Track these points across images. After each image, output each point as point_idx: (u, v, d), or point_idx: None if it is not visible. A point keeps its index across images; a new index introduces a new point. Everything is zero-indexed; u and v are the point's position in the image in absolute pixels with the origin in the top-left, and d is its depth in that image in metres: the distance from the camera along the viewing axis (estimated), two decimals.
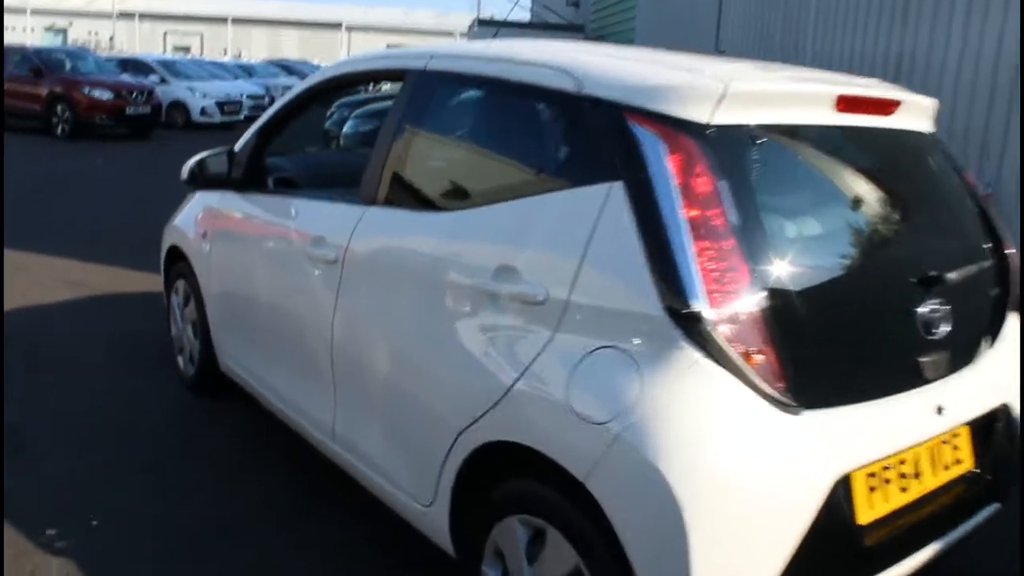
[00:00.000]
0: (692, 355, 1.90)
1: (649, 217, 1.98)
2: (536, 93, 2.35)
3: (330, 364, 2.85)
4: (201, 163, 3.62)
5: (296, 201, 3.24)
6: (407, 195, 2.75)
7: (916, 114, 2.60)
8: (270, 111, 3.61)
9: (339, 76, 3.26)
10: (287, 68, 27.88)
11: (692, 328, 1.90)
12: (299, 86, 3.45)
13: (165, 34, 54.66)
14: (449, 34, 50.25)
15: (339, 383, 2.83)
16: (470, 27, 22.99)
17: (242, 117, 19.58)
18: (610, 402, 1.93)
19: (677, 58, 2.49)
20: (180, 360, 4.34)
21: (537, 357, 2.09)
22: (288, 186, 3.63)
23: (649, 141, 2.05)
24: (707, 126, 2.04)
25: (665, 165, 2.01)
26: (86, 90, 15.79)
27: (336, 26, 57.29)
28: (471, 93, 2.69)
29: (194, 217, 4.02)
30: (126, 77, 17.46)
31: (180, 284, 4.24)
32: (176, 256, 4.23)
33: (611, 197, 2.05)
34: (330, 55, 49.21)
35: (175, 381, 4.34)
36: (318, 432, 3.03)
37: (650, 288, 1.93)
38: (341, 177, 3.79)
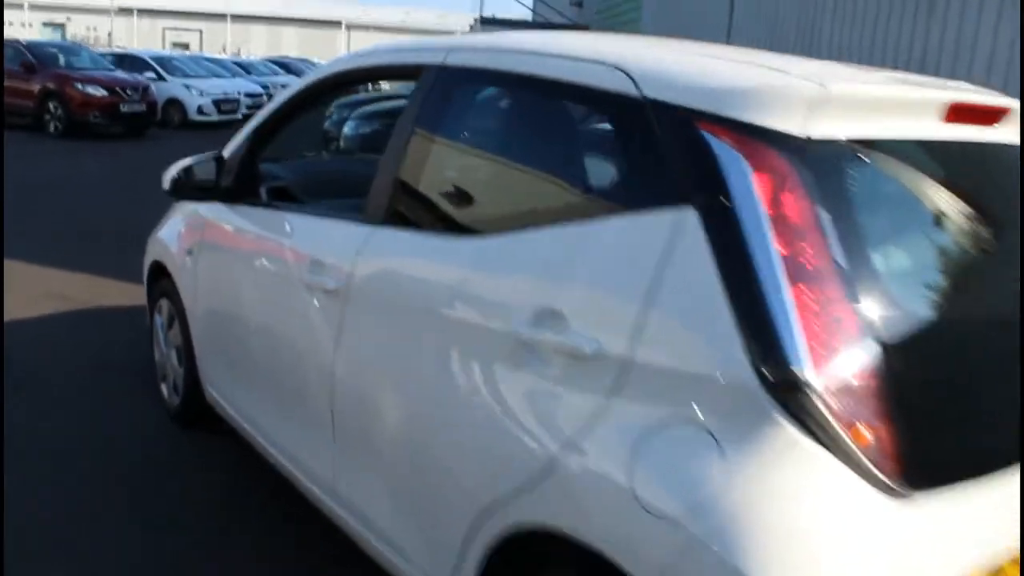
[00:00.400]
0: (790, 433, 1.49)
1: (733, 254, 1.57)
2: (582, 95, 1.94)
3: (330, 412, 2.44)
4: (186, 171, 3.19)
5: (292, 216, 2.83)
6: (422, 214, 2.34)
7: (1014, 124, 2.20)
8: (264, 112, 3.20)
9: (341, 73, 2.85)
10: (286, 66, 27.45)
11: (791, 399, 1.49)
12: (296, 84, 3.04)
13: (164, 30, 54.33)
14: (450, 34, 49.84)
15: (340, 435, 2.43)
16: (471, 27, 22.63)
17: (239, 116, 19.15)
18: (686, 492, 1.52)
19: (745, 54, 2.09)
20: (164, 388, 3.93)
21: (589, 426, 1.68)
22: (283, 197, 3.22)
23: (729, 157, 1.64)
24: (802, 139, 1.64)
25: (751, 188, 1.60)
26: (79, 86, 15.35)
27: (336, 24, 56.97)
28: (500, 94, 2.29)
29: (178, 230, 3.61)
30: (121, 74, 17.02)
31: (164, 304, 3.83)
32: (160, 272, 3.82)
33: (682, 226, 1.64)
34: (330, 53, 48.78)
35: (158, 411, 3.92)
36: (315, 486, 2.62)
37: (736, 346, 1.53)
38: (343, 188, 3.38)
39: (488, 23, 20.51)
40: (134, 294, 5.43)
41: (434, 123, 2.33)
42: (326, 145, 10.77)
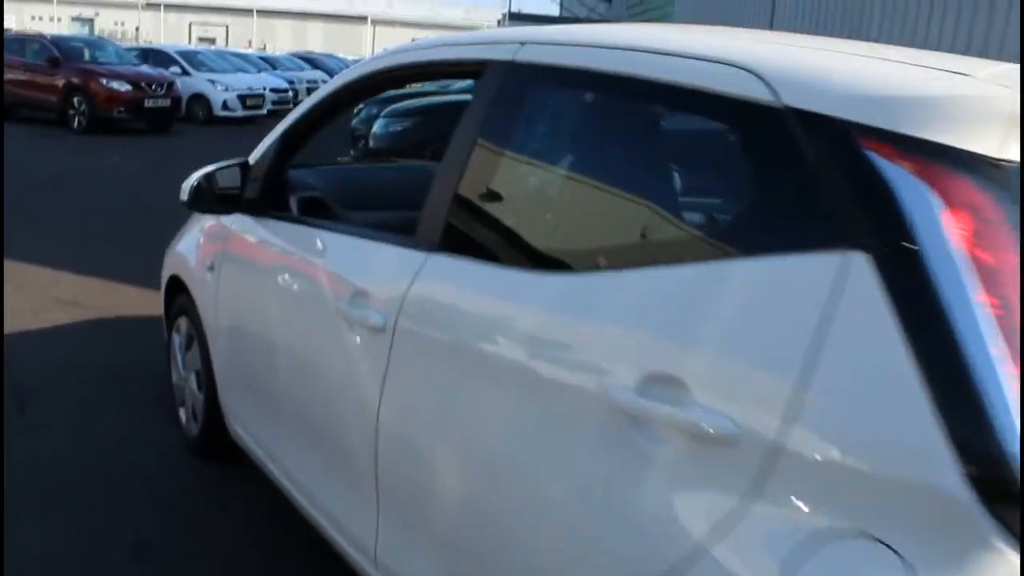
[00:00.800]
0: (1011, 561, 1.10)
1: (923, 313, 1.18)
2: (702, 102, 1.54)
3: (373, 467, 2.07)
4: (207, 179, 2.83)
5: (327, 234, 2.46)
6: (489, 240, 1.96)
7: None
8: (294, 114, 2.83)
9: (384, 71, 2.46)
10: (311, 61, 27.18)
11: (1011, 511, 1.10)
12: (331, 83, 2.67)
13: (191, 25, 54.42)
14: (478, 29, 49.53)
15: (385, 495, 2.06)
16: (499, 22, 22.27)
17: (264, 111, 18.91)
18: None
19: (902, 52, 1.69)
20: (182, 414, 3.58)
21: (723, 530, 1.30)
22: (316, 210, 2.85)
23: (909, 186, 1.25)
24: (996, 163, 1.25)
25: (943, 227, 1.21)
26: (104, 81, 15.13)
27: (362, 19, 56.85)
28: (588, 98, 1.90)
29: (198, 243, 3.26)
30: (146, 68, 16.79)
31: (182, 322, 3.48)
32: (178, 288, 3.47)
33: (848, 275, 1.25)
34: (355, 49, 48.64)
35: (176, 438, 3.57)
36: (352, 548, 2.25)
37: (931, 435, 1.14)
38: (384, 200, 3.01)
39: (516, 18, 20.17)
40: (153, 302, 5.09)
41: (503, 131, 1.94)
42: (354, 144, 10.43)
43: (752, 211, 1.45)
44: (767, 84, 1.43)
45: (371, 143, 9.35)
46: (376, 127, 9.34)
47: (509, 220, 1.95)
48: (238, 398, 2.98)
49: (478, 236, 1.97)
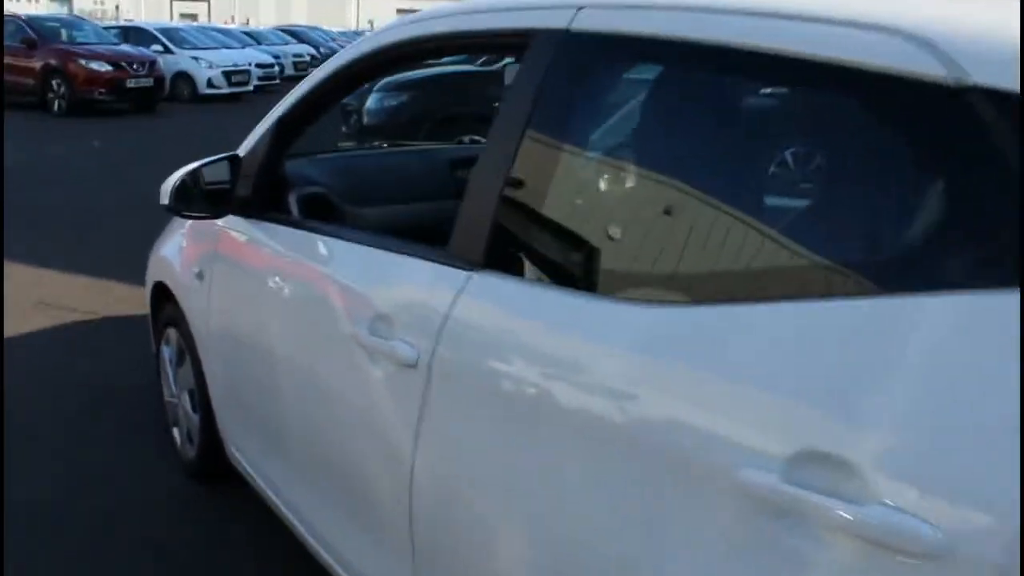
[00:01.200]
0: None
1: None
2: (847, 82, 1.16)
3: (407, 525, 1.71)
4: (193, 177, 2.44)
5: (337, 243, 2.08)
6: (553, 258, 1.59)
7: None
8: (290, 97, 2.44)
9: (398, 45, 2.05)
10: (296, 35, 26.54)
11: None
12: (334, 61, 2.28)
13: (171, 2, 53.44)
14: None
15: (423, 555, 1.70)
16: None
17: (251, 88, 18.42)
18: None
19: None
20: (176, 434, 3.22)
21: None
22: (320, 209, 2.48)
23: None
24: None
25: None
26: (83, 62, 14.62)
27: None
28: (680, 79, 1.50)
29: (183, 246, 2.88)
30: (126, 47, 16.26)
31: (172, 334, 3.10)
32: (165, 295, 3.09)
33: None
34: (340, 21, 47.79)
35: (170, 460, 3.22)
36: None
37: None
38: (402, 193, 2.64)
39: None
40: (138, 300, 4.72)
41: (561, 120, 1.56)
42: (345, 120, 9.98)
43: (932, 230, 1.08)
44: (943, 54, 1.05)
45: (365, 119, 8.90)
46: (369, 102, 8.88)
47: (579, 232, 1.56)
48: (238, 426, 2.62)
49: (537, 252, 1.59)
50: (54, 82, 14.65)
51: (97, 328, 4.72)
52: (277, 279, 2.26)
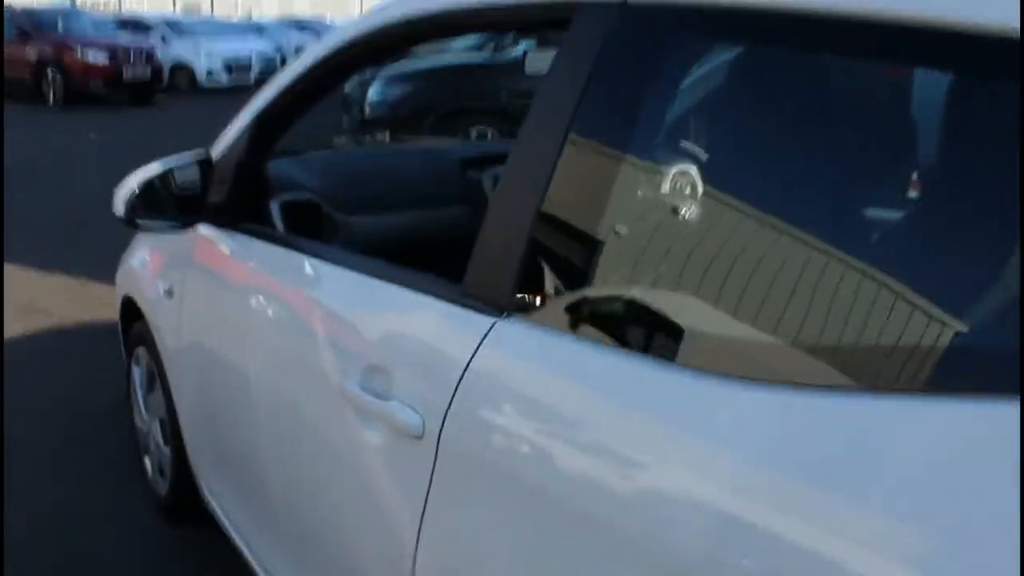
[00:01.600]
0: None
1: None
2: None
3: None
4: (159, 182, 2.07)
5: (323, 267, 1.71)
6: (611, 308, 1.18)
7: None
8: (272, 87, 2.06)
9: (408, 21, 1.64)
10: (301, 26, 26.10)
11: None
12: (328, 42, 1.90)
13: None
14: None
15: None
16: None
17: (252, 80, 18.04)
18: None
19: None
20: (147, 463, 2.87)
21: None
22: (308, 220, 2.12)
23: None
24: None
25: None
26: (78, 53, 14.26)
27: None
28: (791, 63, 1.07)
29: (150, 259, 2.52)
30: (123, 38, 15.89)
31: (141, 353, 2.75)
32: (135, 311, 2.73)
33: None
34: (344, 12, 47.31)
35: (142, 495, 2.86)
36: None
37: None
38: (404, 199, 2.27)
39: None
40: None
41: (618, 118, 1.18)
42: (346, 111, 9.59)
43: None
44: None
45: (367, 111, 8.51)
46: (371, 93, 8.48)
47: (648, 272, 1.15)
48: (212, 470, 2.27)
49: (588, 298, 1.20)
50: (49, 73, 14.31)
51: (74, 337, 4.37)
52: (254, 305, 1.90)
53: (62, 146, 10.47)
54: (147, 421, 2.78)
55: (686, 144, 1.19)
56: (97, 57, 14.34)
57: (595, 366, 1.09)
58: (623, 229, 1.17)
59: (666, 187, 1.13)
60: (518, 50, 8.92)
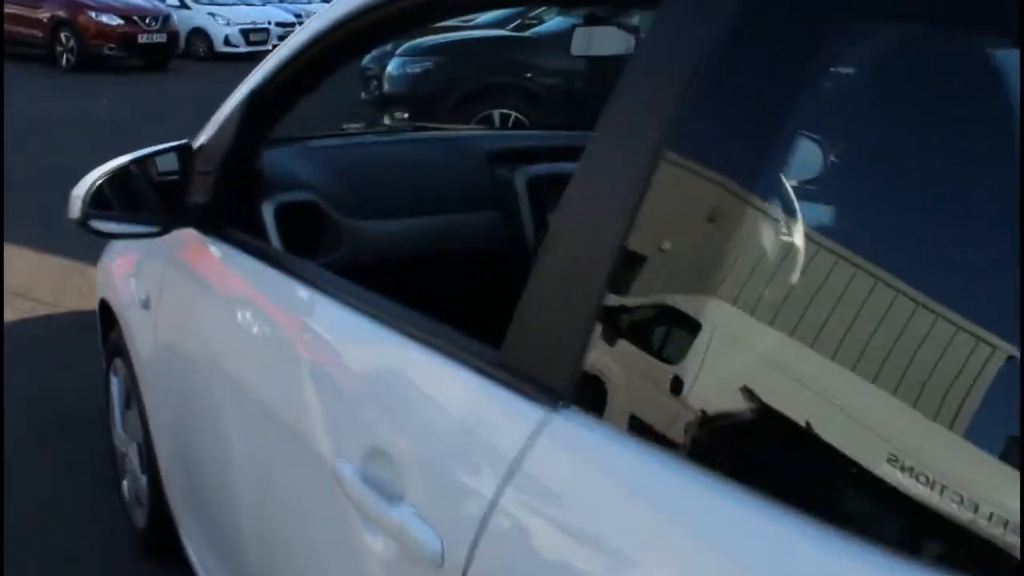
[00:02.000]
0: None
1: None
2: None
3: None
4: (128, 177, 1.70)
5: (320, 300, 1.34)
6: (724, 424, 0.76)
7: None
8: (270, 61, 1.69)
9: None
10: None
11: None
12: (332, 8, 1.52)
13: None
14: None
15: None
16: None
17: (270, 47, 17.60)
18: None
19: None
20: (125, 488, 2.52)
21: None
22: (308, 225, 1.75)
23: None
24: None
25: None
26: (92, 15, 13.90)
27: None
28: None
29: (127, 260, 2.16)
30: (139, 1, 15.50)
31: (119, 366, 2.40)
32: (112, 316, 2.37)
33: None
34: None
35: (117, 524, 2.53)
36: None
37: None
38: (425, 202, 1.92)
39: None
40: None
41: (730, 132, 0.79)
42: (365, 86, 9.19)
43: None
44: None
45: (386, 87, 8.10)
46: (391, 67, 8.05)
47: (783, 364, 0.74)
48: (189, 514, 1.92)
49: (694, 395, 0.79)
50: (62, 35, 13.95)
51: (59, 327, 4.05)
52: (234, 342, 1.53)
53: (72, 111, 10.12)
54: (125, 442, 2.44)
55: (849, 167, 0.79)
56: (112, 19, 13.97)
57: (690, 493, 0.72)
58: (747, 293, 0.79)
59: (817, 234, 0.74)
60: (547, 25, 8.48)
